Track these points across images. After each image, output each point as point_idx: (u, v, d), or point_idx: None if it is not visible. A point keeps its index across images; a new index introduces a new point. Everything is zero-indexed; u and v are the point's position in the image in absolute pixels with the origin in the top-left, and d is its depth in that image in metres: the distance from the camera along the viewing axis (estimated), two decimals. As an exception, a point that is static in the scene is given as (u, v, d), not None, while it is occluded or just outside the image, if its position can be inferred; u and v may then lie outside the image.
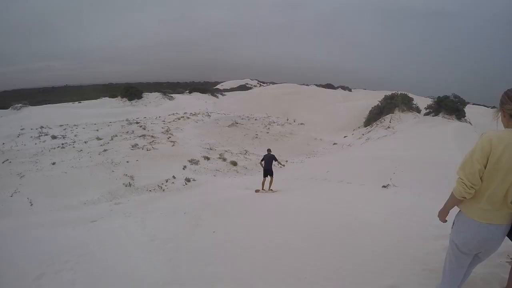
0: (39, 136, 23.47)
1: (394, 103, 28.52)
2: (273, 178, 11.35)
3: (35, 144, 21.61)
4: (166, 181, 16.05)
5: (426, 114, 27.86)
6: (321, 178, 12.68)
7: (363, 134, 27.18)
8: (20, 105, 32.48)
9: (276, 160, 11.49)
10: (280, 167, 13.49)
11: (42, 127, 25.88)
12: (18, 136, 23.06)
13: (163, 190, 15.08)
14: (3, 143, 21.06)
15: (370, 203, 7.64)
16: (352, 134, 29.45)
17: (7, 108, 32.77)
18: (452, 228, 2.67)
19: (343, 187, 10.50)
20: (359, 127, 30.68)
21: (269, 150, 11.99)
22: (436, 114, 26.35)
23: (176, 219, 8.10)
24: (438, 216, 2.73)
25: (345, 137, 29.00)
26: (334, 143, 27.17)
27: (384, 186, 8.94)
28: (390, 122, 26.43)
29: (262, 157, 11.58)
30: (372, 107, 31.07)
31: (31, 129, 25.17)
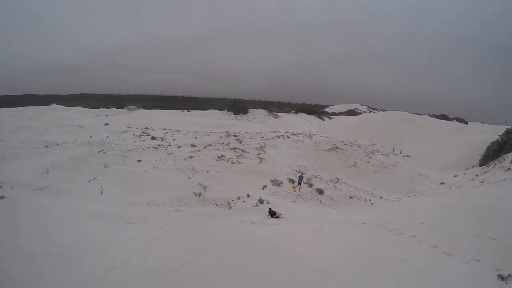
0: (141, 135, 25.65)
1: None
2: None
3: (135, 141, 23.51)
4: (238, 198, 14.65)
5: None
6: (408, 234, 8.52)
7: (477, 175, 22.16)
8: (134, 107, 37.36)
9: None
10: None
11: (146, 128, 28.40)
12: (122, 133, 25.66)
13: (230, 207, 13.67)
14: (107, 136, 23.54)
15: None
16: (464, 173, 24.63)
17: (122, 108, 38.17)
18: None
19: (437, 265, 6.37)
20: (473, 166, 25.85)
21: None
22: None
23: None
24: None
25: (455, 176, 24.48)
26: (442, 183, 22.74)
27: (501, 278, 5.73)
28: (511, 162, 20.29)
29: None
30: (490, 143, 26.38)
31: (136, 128, 27.88)
